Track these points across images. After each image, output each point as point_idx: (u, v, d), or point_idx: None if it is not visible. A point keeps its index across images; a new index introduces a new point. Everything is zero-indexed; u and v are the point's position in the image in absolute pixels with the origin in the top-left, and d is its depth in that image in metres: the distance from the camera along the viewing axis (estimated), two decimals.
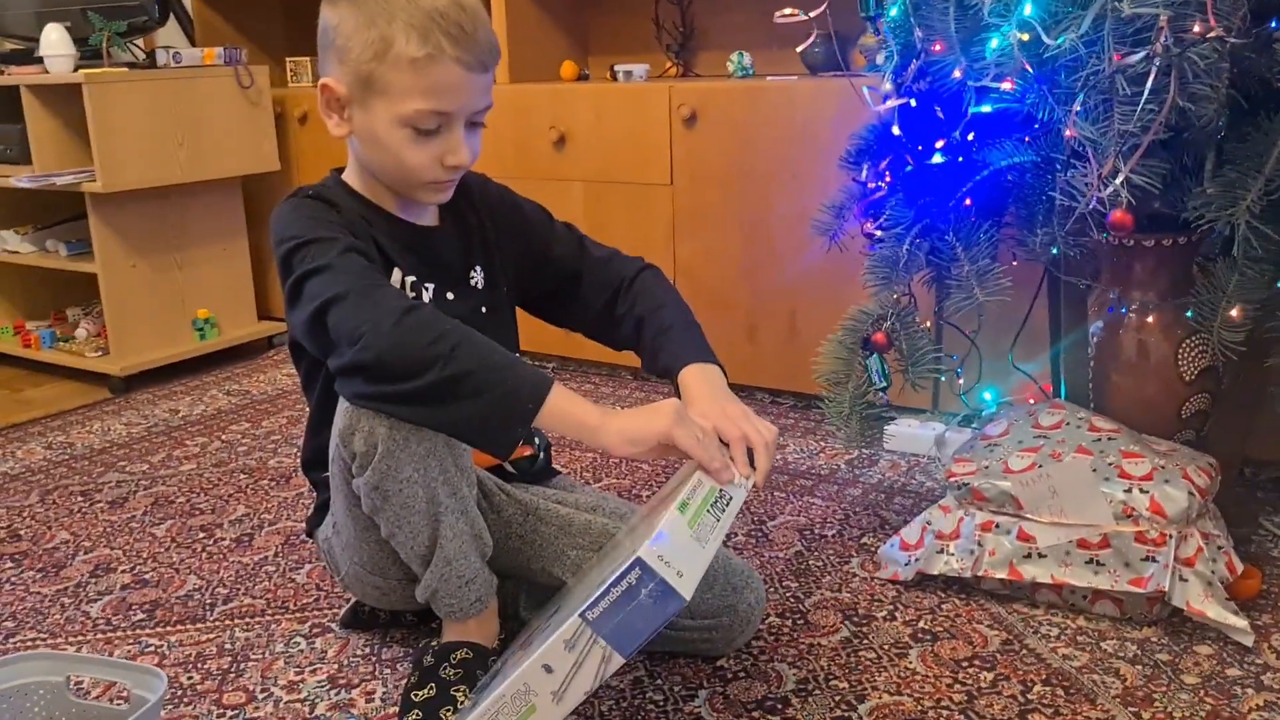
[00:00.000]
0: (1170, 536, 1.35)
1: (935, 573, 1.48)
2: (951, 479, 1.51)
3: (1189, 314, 1.43)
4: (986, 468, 1.48)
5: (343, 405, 1.17)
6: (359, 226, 1.24)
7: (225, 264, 2.85)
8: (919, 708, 1.24)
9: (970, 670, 1.31)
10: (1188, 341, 1.51)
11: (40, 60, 2.57)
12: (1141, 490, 1.37)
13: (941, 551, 1.49)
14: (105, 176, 2.47)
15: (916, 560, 1.51)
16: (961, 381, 1.90)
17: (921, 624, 1.42)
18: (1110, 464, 1.41)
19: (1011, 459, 1.47)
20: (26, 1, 2.88)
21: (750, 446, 1.16)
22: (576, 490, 1.45)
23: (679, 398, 1.23)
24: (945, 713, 1.23)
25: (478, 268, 1.36)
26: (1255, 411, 1.64)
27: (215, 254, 2.82)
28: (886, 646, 1.37)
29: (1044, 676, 1.29)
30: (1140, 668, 1.31)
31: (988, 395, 1.91)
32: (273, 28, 3.29)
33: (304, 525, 1.41)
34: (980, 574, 1.44)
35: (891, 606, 1.47)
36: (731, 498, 1.11)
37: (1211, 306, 1.39)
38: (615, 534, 1.30)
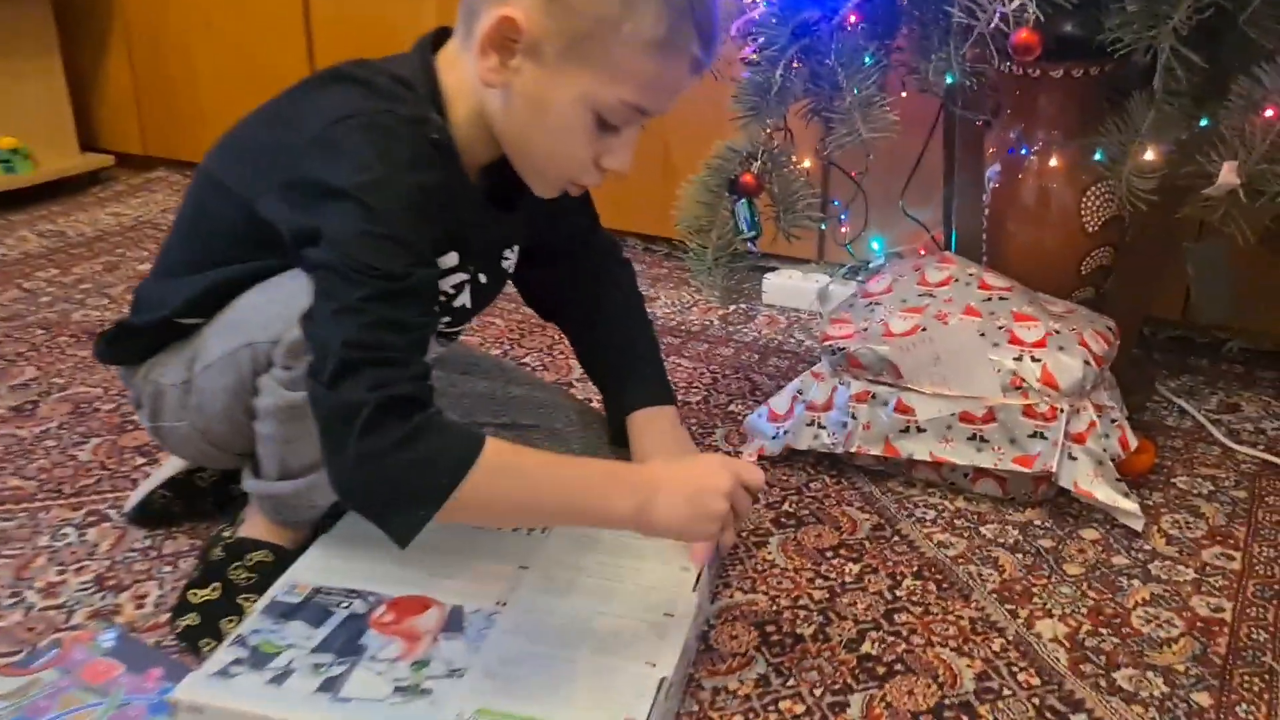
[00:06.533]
0: (1061, 410, 1.20)
1: (804, 448, 1.33)
2: (826, 342, 1.33)
3: (1097, 156, 1.25)
4: (865, 330, 1.31)
5: (310, 319, 0.93)
6: (446, 194, 0.97)
7: (36, 86, 2.49)
8: (773, 608, 1.09)
9: (835, 562, 1.17)
10: (1093, 188, 1.34)
11: None
12: (1033, 359, 1.22)
13: (812, 424, 1.32)
14: None
15: (785, 433, 1.35)
16: (846, 230, 1.72)
17: (786, 507, 1.27)
18: (1000, 328, 1.26)
19: (893, 320, 1.30)
20: None
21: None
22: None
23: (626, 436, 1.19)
24: (803, 613, 1.08)
25: (515, 248, 1.17)
26: (1160, 267, 1.49)
27: (23, 74, 2.46)
28: (744, 534, 1.21)
29: (915, 569, 1.15)
30: (1020, 556, 1.17)
31: (875, 245, 1.74)
32: None
33: (94, 348, 1.15)
34: (853, 450, 1.29)
35: None
36: None
37: (1123, 147, 1.21)
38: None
